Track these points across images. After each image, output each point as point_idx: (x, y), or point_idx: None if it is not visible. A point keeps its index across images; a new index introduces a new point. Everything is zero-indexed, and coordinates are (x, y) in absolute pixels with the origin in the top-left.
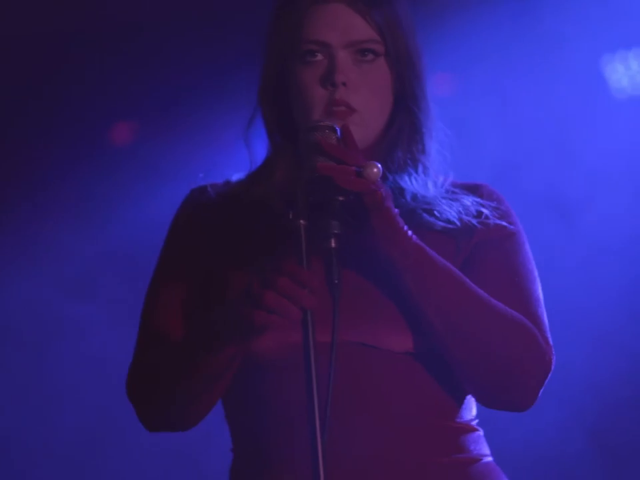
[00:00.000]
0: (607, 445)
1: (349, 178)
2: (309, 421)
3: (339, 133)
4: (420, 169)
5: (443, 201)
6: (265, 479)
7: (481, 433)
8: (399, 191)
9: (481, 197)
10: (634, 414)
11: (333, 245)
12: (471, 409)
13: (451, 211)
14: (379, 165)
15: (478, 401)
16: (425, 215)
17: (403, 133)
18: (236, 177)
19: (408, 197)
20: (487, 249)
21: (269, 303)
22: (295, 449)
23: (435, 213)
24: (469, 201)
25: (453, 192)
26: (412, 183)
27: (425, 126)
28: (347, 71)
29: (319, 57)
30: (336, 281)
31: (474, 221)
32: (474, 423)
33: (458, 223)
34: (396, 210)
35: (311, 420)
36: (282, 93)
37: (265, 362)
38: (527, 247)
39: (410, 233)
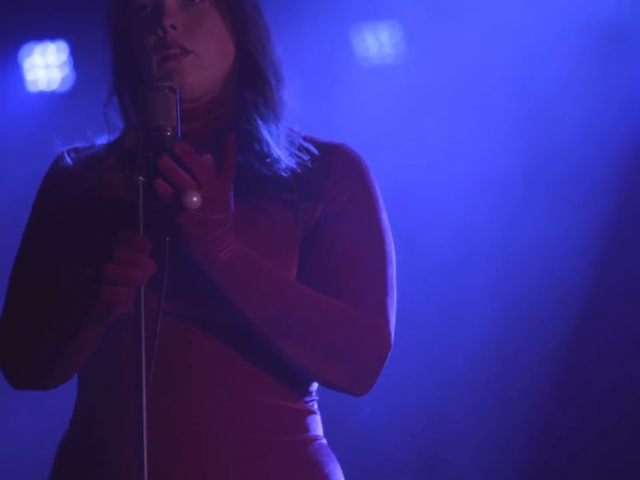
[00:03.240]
0: None
1: (165, 187)
2: (137, 389)
3: (178, 93)
4: (270, 117)
5: (289, 164)
6: (92, 443)
7: (316, 414)
8: (247, 146)
9: (334, 159)
10: None
11: None
12: (308, 388)
13: (294, 178)
14: (199, 196)
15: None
16: (266, 181)
17: (245, 78)
18: (100, 140)
19: (254, 155)
20: (331, 224)
21: (110, 276)
22: (126, 417)
23: (278, 178)
24: (317, 165)
25: (301, 154)
26: (261, 134)
27: (270, 72)
28: (176, 15)
29: (150, 9)
30: (167, 239)
31: (318, 191)
32: (309, 403)
33: (299, 192)
34: (217, 233)
35: (139, 387)
36: (131, 59)
37: (115, 326)
38: (380, 218)
39: (225, 253)
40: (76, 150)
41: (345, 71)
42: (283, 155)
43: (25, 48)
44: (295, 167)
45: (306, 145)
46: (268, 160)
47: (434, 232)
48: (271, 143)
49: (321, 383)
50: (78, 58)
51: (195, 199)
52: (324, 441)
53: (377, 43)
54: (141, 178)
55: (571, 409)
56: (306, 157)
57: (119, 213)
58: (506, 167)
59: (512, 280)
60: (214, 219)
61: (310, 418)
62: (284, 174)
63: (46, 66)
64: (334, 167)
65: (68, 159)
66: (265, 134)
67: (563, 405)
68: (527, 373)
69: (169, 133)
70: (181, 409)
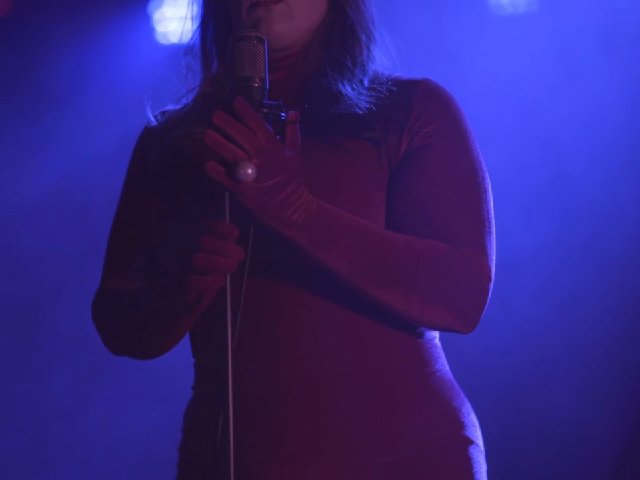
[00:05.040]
0: None
1: (217, 168)
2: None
3: (266, 44)
4: (354, 73)
5: (369, 105)
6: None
7: (434, 347)
8: (327, 92)
9: (414, 93)
10: None
11: None
12: None
13: (374, 116)
14: (254, 168)
15: None
16: (346, 121)
17: (334, 30)
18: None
19: (334, 99)
20: (418, 158)
21: (197, 265)
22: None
23: (357, 118)
24: (398, 101)
25: (382, 94)
26: (343, 85)
27: (359, 25)
28: None
29: None
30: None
31: (400, 126)
32: (425, 335)
33: (380, 129)
34: (280, 197)
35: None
36: (220, 4)
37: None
38: (470, 148)
39: (298, 215)
40: (164, 112)
41: (478, 20)
42: (363, 100)
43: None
44: (374, 106)
45: (388, 85)
46: (347, 106)
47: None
48: (352, 95)
49: (425, 326)
50: None
51: (249, 170)
52: (447, 374)
53: None
54: None
55: None
56: (387, 96)
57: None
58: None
59: None
60: (271, 185)
61: (428, 350)
62: (363, 113)
63: (177, 18)
64: (415, 101)
65: (154, 121)
66: (345, 89)
67: None
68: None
69: (256, 84)
70: (290, 352)
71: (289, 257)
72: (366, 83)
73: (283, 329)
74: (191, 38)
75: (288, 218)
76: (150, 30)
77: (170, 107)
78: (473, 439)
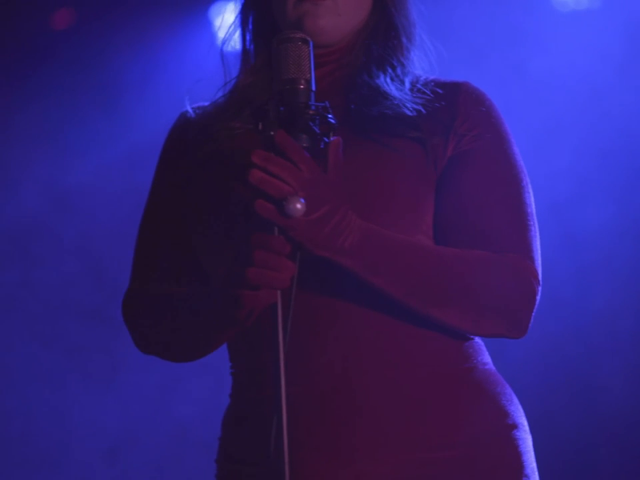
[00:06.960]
0: None
1: (266, 206)
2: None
3: (311, 45)
4: (396, 74)
5: (413, 105)
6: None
7: (474, 340)
8: (372, 91)
9: (458, 97)
10: None
11: None
12: None
13: (419, 117)
14: (302, 201)
15: None
16: (392, 121)
17: (378, 29)
18: (219, 95)
19: (379, 98)
20: (464, 162)
21: (251, 280)
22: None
23: (403, 117)
24: (442, 104)
25: (425, 95)
26: (387, 84)
27: (402, 27)
28: None
29: None
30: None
31: (446, 129)
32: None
33: (426, 130)
34: (329, 226)
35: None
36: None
37: None
38: (513, 152)
39: (348, 242)
40: (200, 107)
41: (541, 15)
42: (406, 100)
43: (216, 6)
44: (419, 107)
45: (430, 86)
46: (391, 105)
47: None
48: (397, 95)
49: (478, 336)
50: None
51: (298, 205)
52: (490, 366)
53: None
54: (272, 133)
55: None
56: (430, 97)
57: (241, 165)
58: None
59: None
60: (320, 215)
61: (471, 345)
62: (409, 113)
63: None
64: (460, 104)
65: (192, 112)
66: (390, 88)
67: None
68: None
69: (302, 87)
70: (329, 354)
71: (322, 263)
72: (407, 83)
73: (321, 333)
74: (230, 27)
75: (340, 246)
76: (212, 35)
77: (202, 103)
78: (518, 425)
